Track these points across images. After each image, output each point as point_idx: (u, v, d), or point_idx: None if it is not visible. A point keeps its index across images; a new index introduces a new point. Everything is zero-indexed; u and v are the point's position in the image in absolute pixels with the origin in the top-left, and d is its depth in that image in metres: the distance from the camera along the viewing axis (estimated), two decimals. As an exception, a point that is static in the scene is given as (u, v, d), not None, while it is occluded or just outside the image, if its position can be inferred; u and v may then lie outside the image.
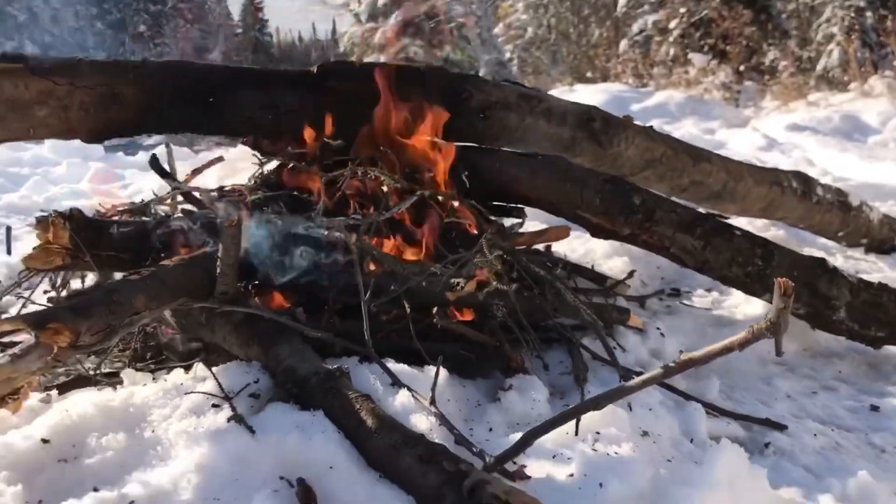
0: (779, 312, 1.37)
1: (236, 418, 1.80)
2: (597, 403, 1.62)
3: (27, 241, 4.76)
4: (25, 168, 8.50)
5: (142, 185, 6.91)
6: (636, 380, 1.62)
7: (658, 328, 2.67)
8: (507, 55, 24.14)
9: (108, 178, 7.79)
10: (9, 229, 4.53)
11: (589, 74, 17.95)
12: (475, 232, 2.78)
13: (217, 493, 1.66)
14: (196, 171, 3.41)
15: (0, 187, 7.21)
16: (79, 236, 2.28)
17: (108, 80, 2.41)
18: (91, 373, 2.26)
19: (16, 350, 1.86)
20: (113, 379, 2.25)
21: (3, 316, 3.11)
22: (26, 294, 3.07)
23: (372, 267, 2.44)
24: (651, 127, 3.45)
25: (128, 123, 2.49)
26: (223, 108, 2.58)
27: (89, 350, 1.94)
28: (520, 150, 3.01)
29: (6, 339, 2.71)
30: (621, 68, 16.40)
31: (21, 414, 2.03)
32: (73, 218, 2.29)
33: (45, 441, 1.87)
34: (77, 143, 7.84)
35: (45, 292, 3.26)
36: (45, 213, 2.41)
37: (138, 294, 1.99)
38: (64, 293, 2.98)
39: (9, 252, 4.30)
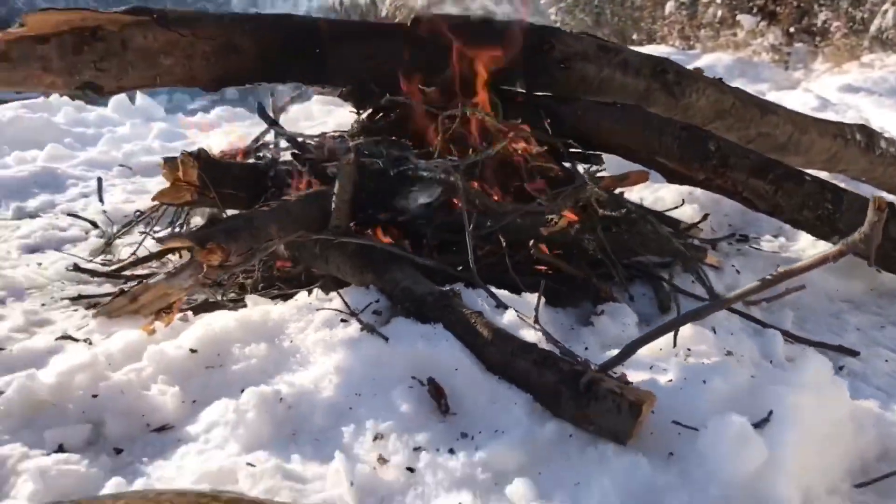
0: (872, 225, 1.53)
1: (368, 328, 2.03)
2: (697, 314, 1.81)
3: (113, 193, 5.06)
4: (91, 128, 8.81)
5: (206, 143, 7.18)
6: (736, 292, 1.81)
7: (733, 265, 2.84)
8: (551, 17, 23.94)
9: (173, 137, 8.07)
10: (100, 180, 4.86)
11: (634, 37, 17.77)
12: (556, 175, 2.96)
13: (357, 389, 1.89)
14: (281, 110, 3.59)
15: (69, 146, 7.51)
16: (206, 175, 2.51)
17: (226, 32, 2.62)
18: (219, 298, 2.50)
19: (171, 268, 2.10)
20: (238, 304, 2.48)
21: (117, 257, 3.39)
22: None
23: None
24: (721, 79, 3.59)
25: (243, 72, 2.70)
26: (327, 60, 2.78)
27: (232, 270, 2.18)
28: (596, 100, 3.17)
29: (130, 272, 2.99)
30: (667, 30, 16.21)
31: (166, 330, 2.28)
32: (201, 157, 2.52)
33: (193, 351, 2.12)
34: (139, 104, 8.08)
35: (141, 233, 3.54)
36: (169, 156, 2.65)
37: (272, 223, 2.21)
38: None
39: (101, 200, 4.61)
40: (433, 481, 1.64)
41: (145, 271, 3.01)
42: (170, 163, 2.57)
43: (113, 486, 1.70)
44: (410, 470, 1.67)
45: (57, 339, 2.37)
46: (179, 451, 1.85)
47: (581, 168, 2.81)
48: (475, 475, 1.66)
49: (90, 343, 2.31)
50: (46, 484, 1.72)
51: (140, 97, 10.07)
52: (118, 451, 1.89)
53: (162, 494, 1.40)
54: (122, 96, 9.67)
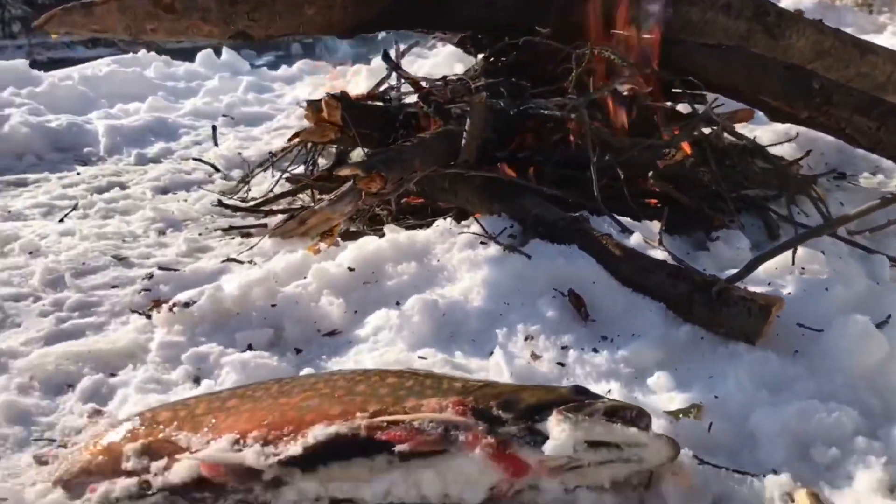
0: None
1: (509, 248, 2.27)
2: (820, 230, 2.00)
3: (225, 140, 5.36)
4: (181, 82, 9.20)
5: (293, 94, 7.49)
6: (857, 210, 1.99)
7: (836, 198, 2.99)
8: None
9: (263, 89, 8.42)
10: (214, 128, 5.20)
11: (708, -17, 17.37)
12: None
13: (504, 299, 2.14)
14: (402, 55, 3.80)
15: (164, 98, 7.91)
16: (348, 115, 2.76)
17: (362, -17, 2.85)
18: (360, 227, 2.77)
19: (332, 196, 2.38)
20: (377, 233, 2.75)
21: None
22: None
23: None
24: (821, 20, 3.67)
25: (375, 20, 2.93)
26: (450, 7, 2.99)
27: (385, 198, 2.44)
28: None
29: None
30: (743, -24, 15.85)
31: (322, 253, 2.56)
32: (343, 99, 2.77)
33: (350, 269, 2.39)
34: (224, 59, 8.38)
35: (280, 171, 3.81)
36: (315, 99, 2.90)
37: (416, 157, 2.46)
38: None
39: (216, 145, 4.95)
40: (582, 373, 1.89)
41: (280, 206, 3.31)
42: (313, 105, 2.83)
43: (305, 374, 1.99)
44: (561, 364, 1.92)
45: (223, 261, 2.69)
46: (352, 350, 2.14)
47: (694, 106, 2.96)
48: (618, 370, 1.89)
49: (254, 264, 2.62)
50: (247, 374, 2.03)
51: (225, 52, 10.44)
52: (298, 351, 2.18)
53: (369, 371, 1.68)
54: (209, 52, 10.05)
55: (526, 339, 2.01)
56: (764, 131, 3.84)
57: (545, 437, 1.41)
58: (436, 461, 1.40)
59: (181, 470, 1.51)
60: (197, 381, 2.07)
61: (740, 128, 3.68)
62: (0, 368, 2.20)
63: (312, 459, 1.43)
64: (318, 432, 1.45)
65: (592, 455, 1.40)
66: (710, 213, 2.65)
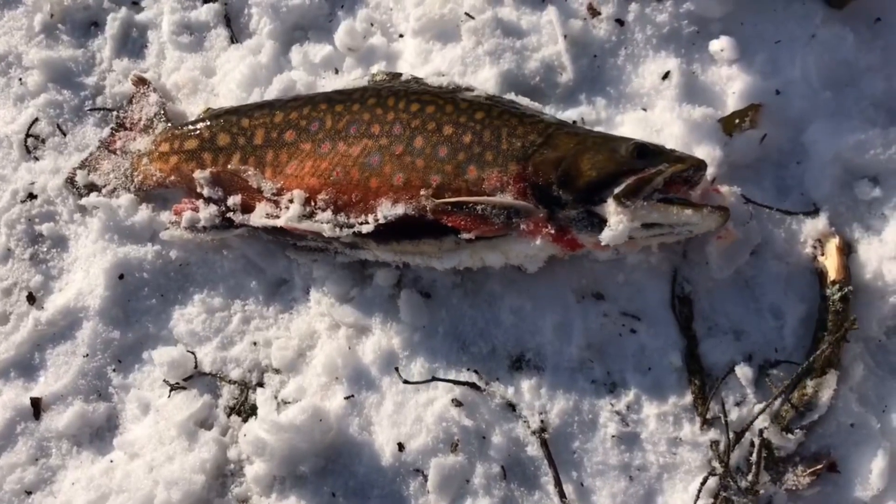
0: None
1: None
2: None
3: None
4: None
5: None
6: None
7: None
8: None
9: None
10: None
11: None
12: None
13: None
14: None
15: None
16: None
17: None
18: None
19: None
20: None
21: None
22: None
23: None
24: None
25: None
26: None
27: None
28: None
29: None
30: None
31: None
32: None
33: None
34: None
35: None
36: None
37: None
38: None
39: None
40: (642, 37, 1.76)
41: None
42: None
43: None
44: (619, 23, 1.77)
45: None
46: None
47: None
48: (680, 29, 1.75)
49: None
50: (280, 19, 1.90)
51: None
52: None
53: (422, 109, 1.58)
54: None
55: (584, -19, 1.79)
56: None
57: (602, 220, 1.48)
58: (500, 243, 1.53)
59: (261, 221, 1.63)
60: (228, 23, 1.95)
61: None
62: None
63: (384, 235, 1.56)
64: (386, 211, 1.53)
65: (646, 233, 1.50)
66: None
